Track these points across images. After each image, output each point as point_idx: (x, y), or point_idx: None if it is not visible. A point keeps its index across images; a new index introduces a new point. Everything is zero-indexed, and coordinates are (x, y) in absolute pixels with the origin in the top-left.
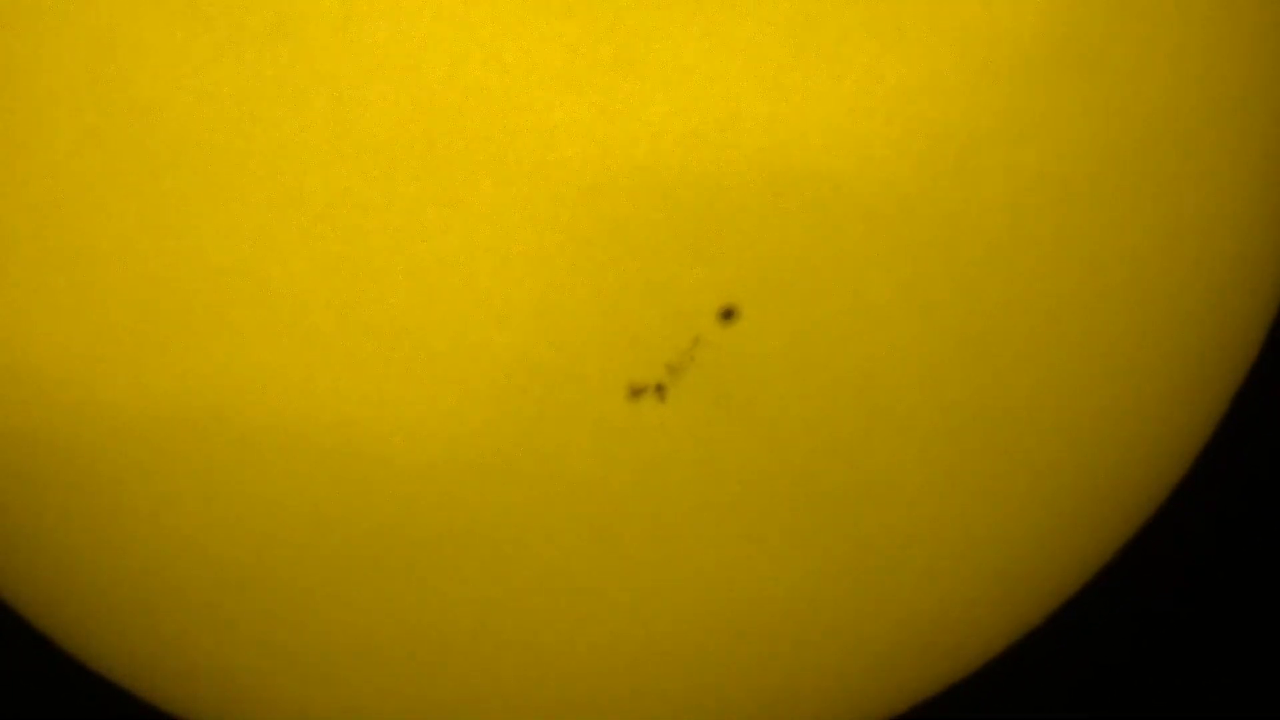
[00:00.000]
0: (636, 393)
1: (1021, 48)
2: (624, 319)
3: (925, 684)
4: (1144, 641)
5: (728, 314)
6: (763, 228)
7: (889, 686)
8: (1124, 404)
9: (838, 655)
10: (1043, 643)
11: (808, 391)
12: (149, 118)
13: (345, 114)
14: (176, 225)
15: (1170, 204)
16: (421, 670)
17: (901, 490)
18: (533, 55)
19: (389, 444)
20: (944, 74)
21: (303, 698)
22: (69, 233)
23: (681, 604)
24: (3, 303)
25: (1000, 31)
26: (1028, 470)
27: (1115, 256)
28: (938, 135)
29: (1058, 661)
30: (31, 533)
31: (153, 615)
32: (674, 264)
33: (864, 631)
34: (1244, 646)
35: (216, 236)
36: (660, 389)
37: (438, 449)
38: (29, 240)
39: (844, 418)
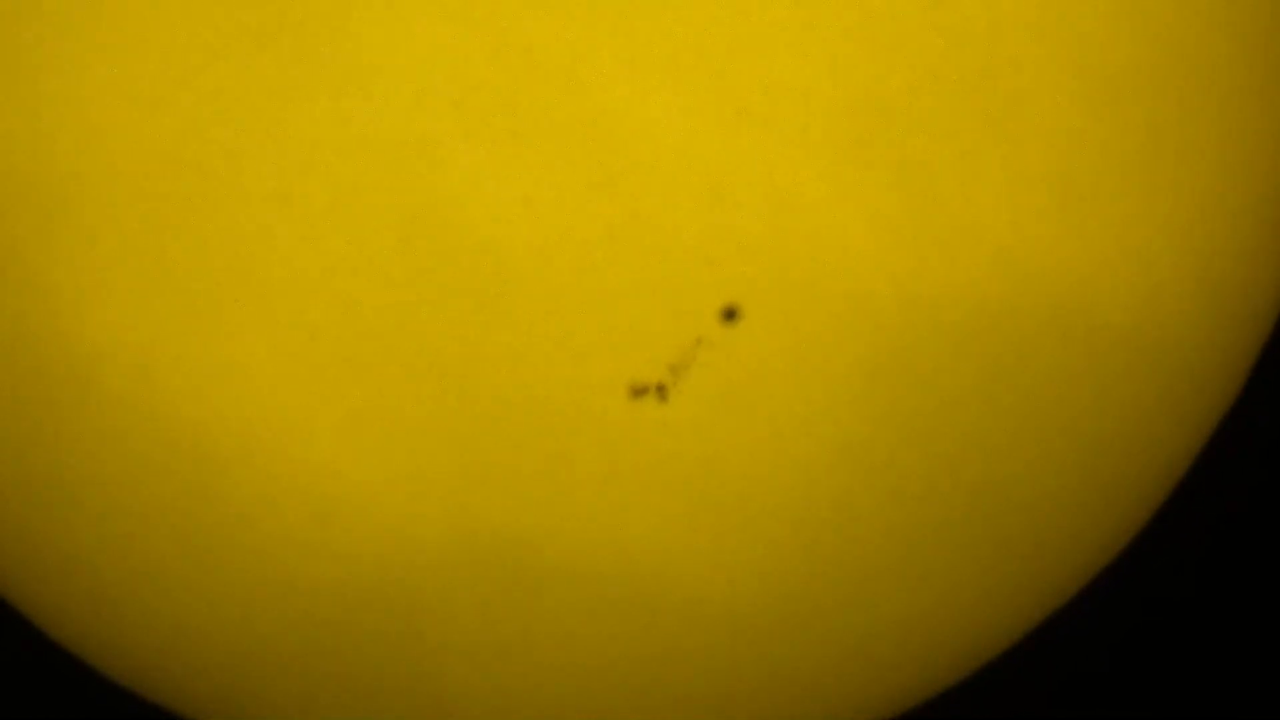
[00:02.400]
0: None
1: None
2: None
3: (925, 683)
4: (1144, 641)
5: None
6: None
7: (888, 685)
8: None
9: (838, 654)
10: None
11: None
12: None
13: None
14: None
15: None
16: None
17: (902, 489)
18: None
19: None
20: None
21: None
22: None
23: (681, 603)
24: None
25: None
26: (1030, 469)
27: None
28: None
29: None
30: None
31: None
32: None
33: (865, 630)
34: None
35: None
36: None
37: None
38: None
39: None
